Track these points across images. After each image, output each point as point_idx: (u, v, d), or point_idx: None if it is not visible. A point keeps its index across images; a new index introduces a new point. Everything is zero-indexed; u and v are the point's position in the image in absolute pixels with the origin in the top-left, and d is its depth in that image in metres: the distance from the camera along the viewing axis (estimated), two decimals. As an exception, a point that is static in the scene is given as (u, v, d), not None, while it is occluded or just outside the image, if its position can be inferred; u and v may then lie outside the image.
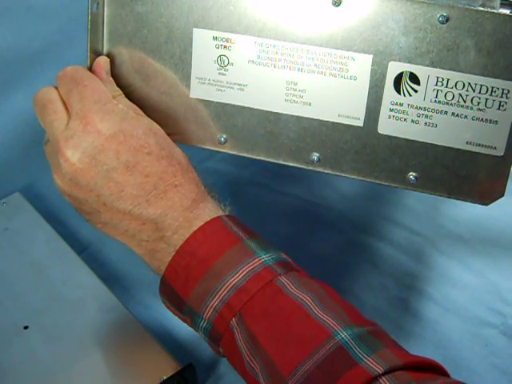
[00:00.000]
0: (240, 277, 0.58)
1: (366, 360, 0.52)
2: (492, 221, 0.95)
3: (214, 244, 0.60)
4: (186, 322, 0.63)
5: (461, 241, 0.95)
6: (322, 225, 0.98)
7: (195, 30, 0.64)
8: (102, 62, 0.66)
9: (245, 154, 0.67)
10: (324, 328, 0.55)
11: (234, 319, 0.58)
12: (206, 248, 0.60)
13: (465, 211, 0.97)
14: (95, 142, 0.60)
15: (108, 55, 0.67)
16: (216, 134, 0.67)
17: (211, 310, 0.58)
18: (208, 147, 0.68)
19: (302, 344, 0.55)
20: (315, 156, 0.65)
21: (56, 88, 0.64)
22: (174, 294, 0.61)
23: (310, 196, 1.02)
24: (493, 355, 0.82)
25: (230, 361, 0.61)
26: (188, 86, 0.66)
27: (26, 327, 0.76)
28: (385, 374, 0.51)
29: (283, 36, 0.62)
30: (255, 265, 0.58)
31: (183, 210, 0.61)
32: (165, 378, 0.70)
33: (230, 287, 0.58)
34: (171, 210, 0.61)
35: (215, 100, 0.66)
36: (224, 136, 0.67)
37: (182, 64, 0.66)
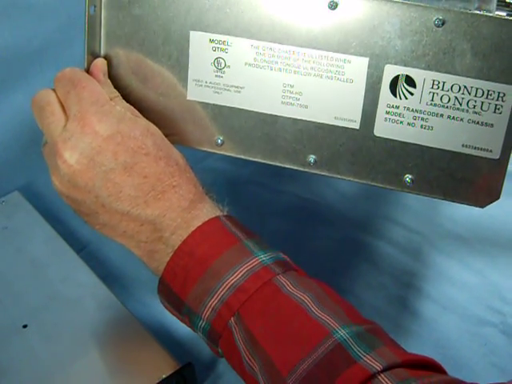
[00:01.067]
0: (238, 276, 0.58)
1: (364, 358, 0.53)
2: (491, 220, 0.95)
3: (213, 244, 0.60)
4: (184, 322, 0.63)
5: (460, 240, 0.95)
6: (321, 223, 0.98)
7: (192, 33, 0.64)
8: (100, 64, 0.66)
9: (242, 156, 0.68)
10: (323, 327, 0.55)
11: (232, 319, 0.58)
12: (204, 248, 0.60)
13: (463, 210, 0.95)
14: (93, 143, 0.60)
15: (105, 57, 0.67)
16: (213, 135, 0.67)
17: (210, 310, 0.58)
18: (205, 149, 0.68)
19: (300, 343, 0.55)
20: (312, 158, 0.65)
21: (53, 90, 0.64)
22: (172, 295, 0.61)
23: (309, 195, 1.02)
24: (492, 354, 0.82)
25: (228, 361, 0.61)
26: (185, 87, 0.66)
27: (24, 326, 0.76)
28: (383, 371, 0.52)
29: (280, 39, 0.63)
30: (253, 264, 0.59)
31: (181, 211, 0.61)
32: (164, 376, 0.70)
33: (228, 287, 0.58)
34: (169, 210, 0.61)
35: (212, 102, 0.66)
36: (221, 138, 0.67)
37: (179, 66, 0.66)
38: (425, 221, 0.98)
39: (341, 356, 0.53)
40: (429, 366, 0.55)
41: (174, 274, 0.61)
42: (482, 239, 0.95)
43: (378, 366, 0.52)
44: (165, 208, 0.61)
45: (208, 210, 0.62)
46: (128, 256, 0.85)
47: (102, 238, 0.86)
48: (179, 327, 0.80)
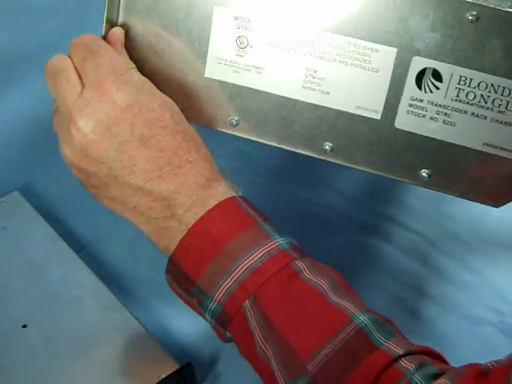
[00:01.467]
0: (255, 258, 0.56)
1: (386, 343, 0.53)
2: (490, 219, 0.95)
3: (229, 224, 0.59)
4: (190, 304, 0.61)
5: (459, 239, 0.95)
6: (321, 224, 0.97)
7: (216, 9, 0.63)
8: (118, 33, 0.64)
9: (256, 139, 0.66)
10: (342, 312, 0.55)
11: (247, 301, 0.56)
12: (220, 227, 0.58)
13: (463, 210, 0.96)
14: (110, 112, 0.58)
15: (122, 26, 0.65)
16: (228, 115, 0.66)
17: (223, 292, 0.57)
18: (218, 129, 0.67)
19: (320, 328, 0.54)
20: (328, 146, 0.64)
21: (69, 56, 0.62)
22: (182, 274, 0.60)
23: (309, 195, 1.01)
24: (491, 353, 0.80)
25: (238, 346, 0.59)
26: (203, 64, 0.64)
27: (24, 326, 0.75)
28: (404, 355, 0.52)
29: (307, 22, 0.61)
30: (271, 247, 0.57)
31: (197, 188, 0.59)
32: (163, 376, 0.69)
33: (244, 268, 0.56)
34: (185, 186, 0.59)
35: (230, 81, 0.64)
36: (236, 118, 0.65)
37: (200, 42, 0.64)
38: (424, 220, 0.98)
39: (363, 342, 0.53)
40: (435, 356, 0.56)
41: (187, 252, 0.59)
42: (481, 238, 0.95)
43: (399, 351, 0.52)
44: (180, 184, 0.59)
45: (224, 189, 0.61)
46: (128, 256, 0.86)
47: (102, 238, 0.86)
48: (179, 328, 0.80)
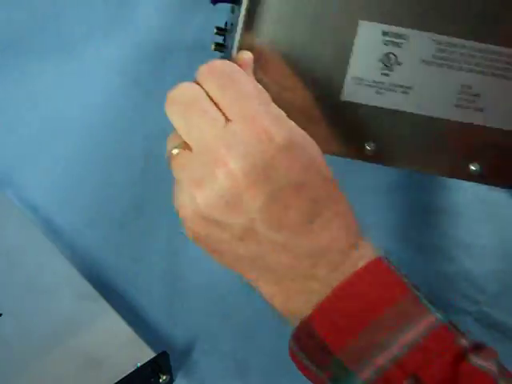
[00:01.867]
0: (416, 333, 0.48)
1: None
2: (465, 207, 0.96)
3: (383, 289, 0.50)
4: (314, 378, 0.52)
5: (432, 227, 0.96)
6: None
7: (362, 23, 0.54)
8: (248, 58, 0.53)
9: (396, 166, 0.59)
10: None
11: (404, 382, 0.48)
12: (374, 292, 0.50)
13: (437, 199, 0.97)
14: (266, 152, 0.48)
15: (247, 48, 0.55)
16: (363, 141, 0.57)
17: (374, 369, 0.48)
18: (351, 157, 0.58)
19: None
20: (476, 167, 0.58)
21: (199, 84, 0.51)
22: (317, 343, 0.50)
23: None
24: None
25: None
26: (340, 86, 0.56)
27: (-1, 314, 0.74)
28: None
29: (465, 33, 0.54)
30: (431, 321, 0.50)
31: (349, 246, 0.50)
32: (139, 365, 0.70)
33: (403, 344, 0.48)
34: (336, 243, 0.50)
35: (371, 104, 0.56)
36: (372, 144, 0.57)
37: (337, 62, 0.55)
38: (395, 208, 0.98)
39: None
40: None
41: (328, 318, 0.49)
42: (456, 227, 0.96)
43: None
44: (331, 240, 0.50)
45: (372, 248, 0.52)
46: (104, 245, 0.86)
47: (78, 227, 0.87)
48: (155, 316, 0.81)
